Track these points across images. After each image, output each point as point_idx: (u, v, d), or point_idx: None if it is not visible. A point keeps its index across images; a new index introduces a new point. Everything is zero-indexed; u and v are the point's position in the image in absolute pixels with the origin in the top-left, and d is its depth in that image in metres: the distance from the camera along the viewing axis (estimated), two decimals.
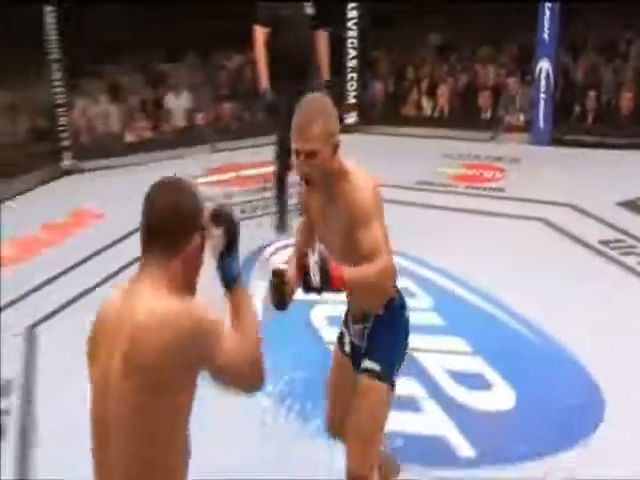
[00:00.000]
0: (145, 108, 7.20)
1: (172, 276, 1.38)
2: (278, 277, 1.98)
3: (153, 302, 1.34)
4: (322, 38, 4.53)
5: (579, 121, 6.57)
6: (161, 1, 6.90)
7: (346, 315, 2.23)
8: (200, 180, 5.86)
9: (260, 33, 4.30)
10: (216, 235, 1.50)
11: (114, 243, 4.70)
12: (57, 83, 5.99)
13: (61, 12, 5.90)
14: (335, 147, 1.94)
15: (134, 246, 5.09)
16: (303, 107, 1.95)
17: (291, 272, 2.07)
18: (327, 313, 3.59)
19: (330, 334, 3.34)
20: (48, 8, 5.85)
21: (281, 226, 4.67)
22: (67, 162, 6.01)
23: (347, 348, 2.22)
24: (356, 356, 2.16)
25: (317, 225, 2.12)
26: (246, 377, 1.43)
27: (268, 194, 5.30)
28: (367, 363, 2.06)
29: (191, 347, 1.33)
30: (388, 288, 2.02)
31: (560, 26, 6.38)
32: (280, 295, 1.99)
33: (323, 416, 2.37)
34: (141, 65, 7.61)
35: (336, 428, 2.26)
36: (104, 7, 7.33)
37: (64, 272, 4.34)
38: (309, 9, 4.43)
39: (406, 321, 2.14)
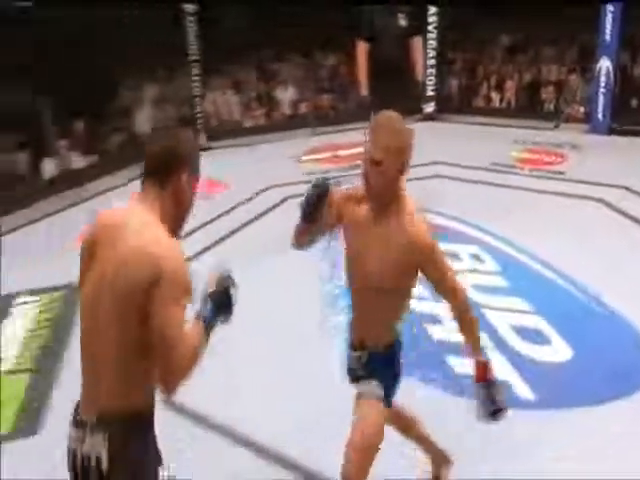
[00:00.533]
0: (260, 99, 7.19)
1: (164, 210, 1.34)
2: (319, 188, 1.65)
3: (146, 225, 1.30)
4: (417, 44, 4.25)
5: (636, 113, 5.97)
6: (271, 9, 6.76)
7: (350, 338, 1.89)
8: (303, 157, 5.83)
9: (362, 46, 4.09)
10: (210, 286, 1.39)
11: (238, 205, 4.74)
12: (195, 79, 6.06)
13: (199, 20, 5.91)
14: (401, 168, 1.62)
15: (254, 208, 5.15)
16: (385, 118, 1.64)
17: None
18: None
19: None
20: (189, 19, 5.86)
21: None
22: (202, 141, 6.10)
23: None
24: (351, 378, 1.87)
25: (354, 235, 1.75)
26: (172, 362, 1.24)
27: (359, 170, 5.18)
28: (364, 386, 1.77)
29: (152, 280, 1.22)
30: (396, 326, 1.78)
31: (621, 27, 5.76)
32: (312, 208, 1.65)
33: None
34: (256, 64, 7.58)
35: None
36: (227, 14, 7.28)
37: (204, 224, 4.28)
38: (403, 21, 4.17)
39: (399, 362, 1.81)
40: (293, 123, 6.71)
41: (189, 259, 3.73)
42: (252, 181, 5.09)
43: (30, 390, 2.81)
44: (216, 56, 6.56)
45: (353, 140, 5.82)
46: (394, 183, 1.64)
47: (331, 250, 3.83)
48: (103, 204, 4.88)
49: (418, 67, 4.27)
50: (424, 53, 4.44)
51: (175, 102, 6.56)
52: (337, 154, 5.82)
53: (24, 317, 3.37)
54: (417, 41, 4.27)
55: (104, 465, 1.28)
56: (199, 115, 6.10)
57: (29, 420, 2.62)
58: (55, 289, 3.60)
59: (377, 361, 1.78)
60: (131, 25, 5.60)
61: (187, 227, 4.82)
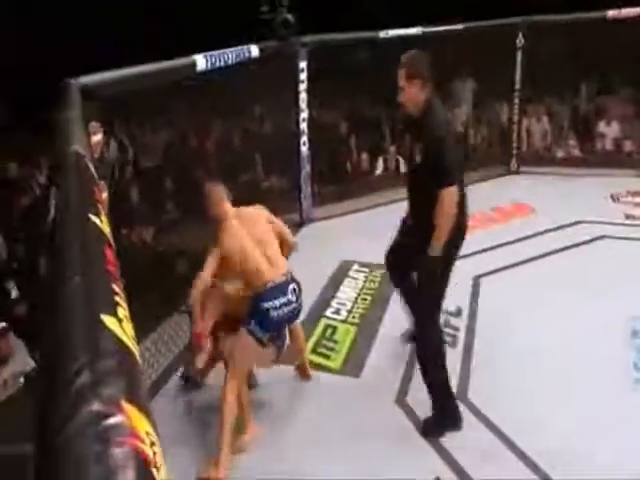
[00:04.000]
0: (577, 131, 6.81)
1: None
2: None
3: None
4: None
5: None
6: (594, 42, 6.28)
7: None
8: (622, 198, 5.32)
9: None
10: None
11: (544, 232, 4.67)
12: (515, 106, 6.10)
13: (524, 53, 5.87)
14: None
15: (561, 238, 4.97)
16: None
17: None
18: None
19: None
20: (518, 52, 5.88)
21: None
22: (513, 165, 6.16)
23: None
24: None
25: None
26: None
27: None
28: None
29: None
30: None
31: None
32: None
33: None
34: (577, 95, 7.18)
35: None
36: (550, 47, 7.05)
37: (505, 244, 4.47)
38: None
39: (263, 312, 2.51)
40: (614, 161, 6.18)
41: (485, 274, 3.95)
42: (562, 211, 4.92)
43: (356, 341, 3.38)
44: (535, 85, 6.48)
45: None
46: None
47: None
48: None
49: None
50: None
51: (490, 125, 6.77)
52: None
53: (355, 282, 4.02)
54: None
55: None
56: (514, 140, 6.14)
57: (354, 364, 3.16)
58: (378, 266, 4.17)
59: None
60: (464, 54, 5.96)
61: (485, 244, 4.95)
